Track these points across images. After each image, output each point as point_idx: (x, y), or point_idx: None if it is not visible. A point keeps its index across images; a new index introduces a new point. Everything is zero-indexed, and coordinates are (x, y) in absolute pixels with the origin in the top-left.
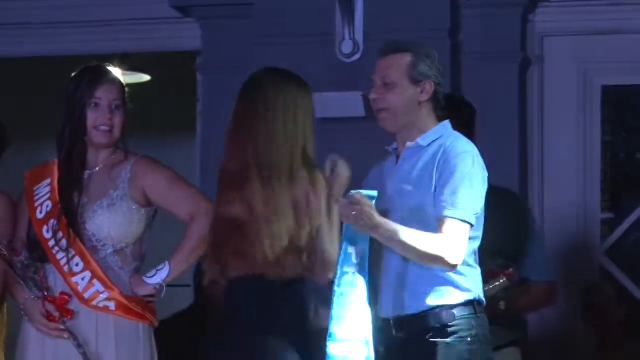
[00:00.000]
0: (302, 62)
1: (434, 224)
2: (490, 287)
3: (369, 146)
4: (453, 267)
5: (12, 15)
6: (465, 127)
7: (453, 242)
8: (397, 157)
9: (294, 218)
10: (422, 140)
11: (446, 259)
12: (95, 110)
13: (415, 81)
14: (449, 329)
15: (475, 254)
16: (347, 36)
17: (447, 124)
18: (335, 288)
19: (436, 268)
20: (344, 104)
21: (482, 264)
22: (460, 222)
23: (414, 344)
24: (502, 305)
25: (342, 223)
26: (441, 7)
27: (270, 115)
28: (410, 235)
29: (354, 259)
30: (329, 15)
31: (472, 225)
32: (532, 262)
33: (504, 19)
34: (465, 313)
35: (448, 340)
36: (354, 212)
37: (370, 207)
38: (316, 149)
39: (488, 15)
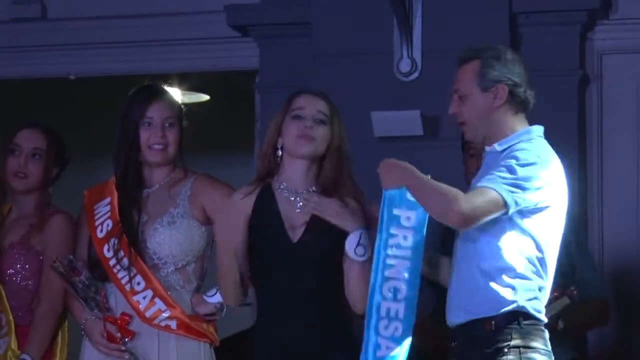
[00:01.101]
0: (360, 81)
1: (496, 230)
2: (555, 308)
3: (428, 165)
4: (453, 219)
5: (71, 35)
6: None
7: (466, 197)
8: None
9: None
10: (499, 146)
11: (449, 206)
12: (148, 129)
13: (486, 88)
14: (489, 340)
15: (534, 265)
16: (405, 55)
17: (532, 129)
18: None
19: (481, 279)
20: (402, 122)
21: None
22: (488, 189)
23: (461, 354)
24: (560, 324)
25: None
26: (500, 25)
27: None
28: (431, 182)
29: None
30: (387, 34)
31: (504, 200)
32: (584, 279)
33: (563, 36)
34: (506, 324)
35: (487, 350)
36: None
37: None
38: (375, 167)
39: (546, 33)
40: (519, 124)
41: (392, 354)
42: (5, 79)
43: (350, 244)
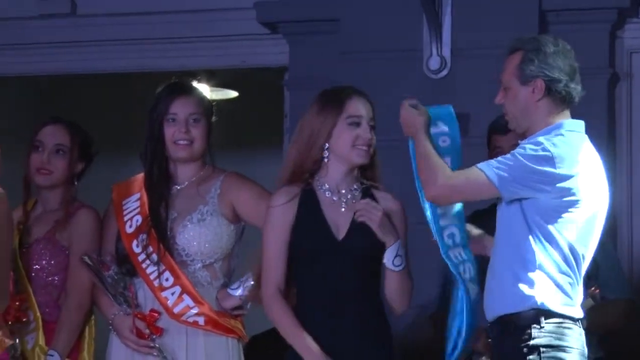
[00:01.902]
0: (388, 79)
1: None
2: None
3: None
4: (430, 191)
5: (100, 32)
6: None
7: (449, 174)
8: None
9: None
10: (527, 140)
11: (430, 179)
12: (172, 125)
13: (525, 82)
14: (514, 338)
15: (555, 263)
16: (434, 52)
17: (563, 124)
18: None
19: (505, 274)
20: None
21: None
22: (476, 168)
23: (496, 350)
24: (583, 324)
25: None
26: (529, 23)
27: None
28: (430, 153)
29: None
30: (416, 32)
31: (491, 182)
32: (608, 280)
33: (592, 35)
34: (526, 323)
35: (514, 348)
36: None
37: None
38: (404, 166)
39: (576, 32)
40: (559, 118)
41: (477, 293)
42: (34, 75)
43: (389, 257)
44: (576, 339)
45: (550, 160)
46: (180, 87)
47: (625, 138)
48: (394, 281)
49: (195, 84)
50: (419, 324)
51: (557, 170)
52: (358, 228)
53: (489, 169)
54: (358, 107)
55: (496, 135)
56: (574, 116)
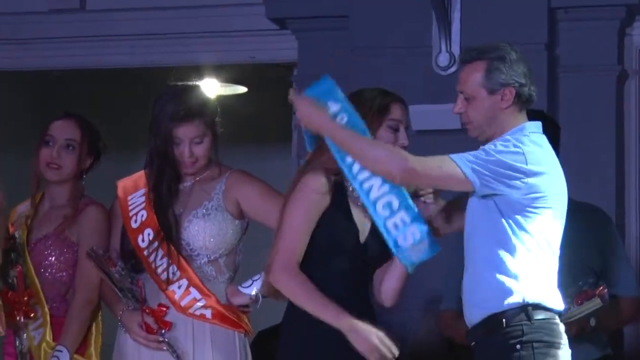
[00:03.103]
0: (398, 75)
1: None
2: (585, 308)
3: None
4: (397, 176)
5: (109, 27)
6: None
7: (418, 159)
8: None
9: None
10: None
11: (390, 163)
12: (178, 146)
13: (492, 91)
14: (502, 336)
15: (537, 258)
16: (443, 49)
17: (525, 126)
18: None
19: (486, 274)
20: (440, 116)
21: (574, 281)
22: (448, 158)
23: (479, 353)
24: (592, 322)
25: None
26: (538, 20)
27: None
28: (360, 137)
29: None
30: (426, 28)
31: (465, 176)
32: (618, 278)
33: (601, 32)
34: (515, 319)
35: (502, 348)
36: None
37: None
38: None
39: (585, 29)
40: (520, 120)
41: (425, 248)
42: (43, 69)
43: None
44: (562, 335)
45: (521, 155)
46: (183, 112)
47: (634, 135)
48: (398, 270)
49: (196, 84)
50: (425, 319)
51: (528, 167)
52: (376, 234)
53: (463, 163)
54: (400, 113)
55: None
56: (584, 112)
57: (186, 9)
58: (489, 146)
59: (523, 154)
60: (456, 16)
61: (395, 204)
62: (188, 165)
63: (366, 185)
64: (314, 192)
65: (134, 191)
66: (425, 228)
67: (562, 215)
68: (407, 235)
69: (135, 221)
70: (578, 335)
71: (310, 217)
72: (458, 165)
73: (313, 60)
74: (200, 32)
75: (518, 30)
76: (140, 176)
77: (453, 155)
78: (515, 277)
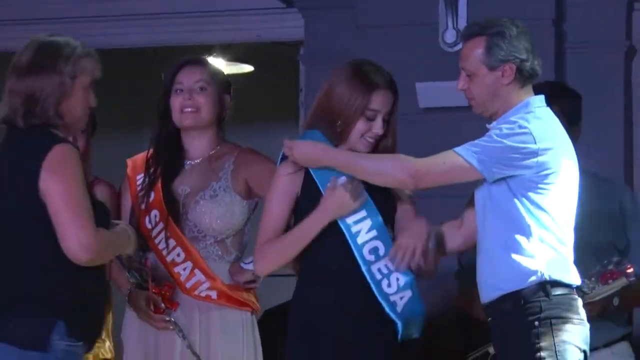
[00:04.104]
0: (404, 52)
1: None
2: (611, 287)
3: (473, 135)
4: (410, 183)
5: (116, 7)
6: (568, 116)
7: (424, 160)
8: None
9: None
10: (498, 123)
11: (400, 174)
12: (179, 95)
13: (493, 67)
14: (520, 314)
15: (552, 233)
16: (450, 25)
17: (529, 101)
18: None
19: (502, 253)
20: (447, 93)
21: (597, 260)
22: (453, 152)
23: (496, 329)
24: (615, 301)
25: None
26: None
27: None
28: (362, 155)
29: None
30: (432, 4)
31: (472, 166)
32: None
33: (609, 7)
34: (534, 297)
35: (520, 324)
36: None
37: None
38: (419, 139)
39: (593, 4)
40: (524, 95)
41: (408, 298)
42: None
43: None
44: (580, 310)
45: (529, 135)
46: (190, 58)
47: None
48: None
49: (209, 58)
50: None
51: (538, 145)
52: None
53: (468, 153)
54: (380, 102)
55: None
56: (593, 89)
57: None
58: (494, 131)
59: (530, 133)
60: None
61: (382, 250)
62: (187, 116)
63: (354, 229)
64: (282, 175)
65: (142, 170)
66: (410, 277)
67: (575, 187)
68: (391, 281)
69: (143, 202)
70: (601, 315)
71: (282, 197)
72: (463, 157)
73: (319, 38)
74: (207, 12)
75: (525, 6)
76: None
77: (457, 149)
78: (531, 256)
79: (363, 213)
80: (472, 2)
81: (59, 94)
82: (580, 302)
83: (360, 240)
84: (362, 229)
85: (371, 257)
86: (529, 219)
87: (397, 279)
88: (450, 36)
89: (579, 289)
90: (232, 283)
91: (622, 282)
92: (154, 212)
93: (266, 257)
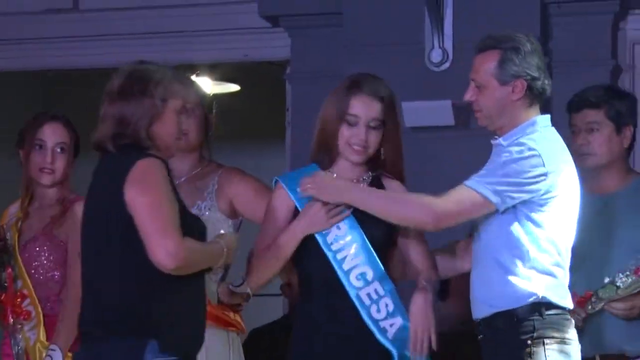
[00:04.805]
0: (391, 71)
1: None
2: (636, 287)
3: (459, 154)
4: (430, 225)
5: (104, 26)
6: (618, 119)
7: (441, 201)
8: None
9: None
10: (504, 140)
11: (420, 215)
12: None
13: (504, 82)
14: (513, 332)
15: (550, 254)
16: (436, 45)
17: (536, 120)
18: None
19: (498, 272)
20: (433, 112)
21: (624, 260)
22: (466, 188)
23: (487, 347)
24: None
25: None
26: (531, 15)
27: None
28: (381, 195)
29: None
30: (418, 24)
31: (487, 200)
32: None
33: (595, 26)
34: (527, 316)
35: (512, 343)
36: (309, 185)
37: (326, 174)
38: (406, 158)
39: (578, 23)
40: (531, 114)
41: (400, 325)
42: (38, 70)
43: None
44: (574, 331)
45: (538, 157)
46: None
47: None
48: None
49: (194, 77)
50: None
51: (546, 168)
52: (360, 217)
53: (482, 187)
54: (359, 106)
55: (572, 113)
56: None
57: (179, 7)
58: (504, 155)
59: (539, 155)
60: (448, 12)
61: (370, 274)
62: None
63: (339, 256)
64: (273, 192)
65: None
66: (398, 302)
67: (575, 212)
68: (380, 306)
69: None
70: (632, 318)
71: (273, 211)
72: (477, 191)
73: (306, 57)
74: (194, 31)
75: (511, 25)
76: None
77: (470, 183)
78: (528, 279)
79: (347, 237)
80: (457, 22)
81: (150, 116)
82: (573, 322)
83: (346, 266)
84: (347, 256)
85: (359, 283)
86: (528, 242)
87: (387, 305)
88: (436, 55)
89: (612, 284)
90: (219, 303)
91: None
92: None
93: (250, 271)
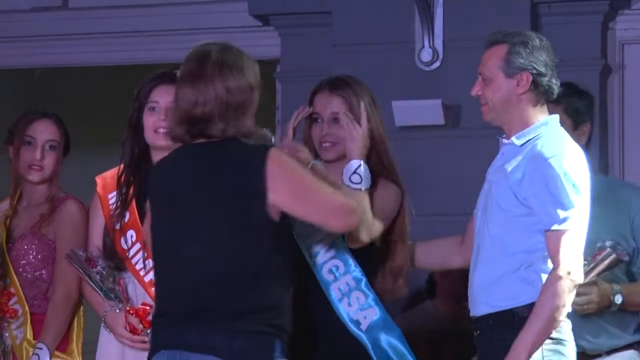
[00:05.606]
0: (381, 71)
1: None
2: (599, 261)
3: (449, 154)
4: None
5: (93, 24)
6: (576, 116)
7: (564, 252)
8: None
9: None
10: (518, 139)
11: (560, 272)
12: (153, 113)
13: (510, 74)
14: (511, 332)
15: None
16: (426, 44)
17: (549, 120)
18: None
19: (501, 273)
20: (423, 112)
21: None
22: (564, 232)
23: (484, 344)
24: (617, 299)
25: None
26: (521, 14)
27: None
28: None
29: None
30: (408, 23)
31: (577, 231)
32: None
33: (584, 26)
34: (525, 315)
35: (510, 342)
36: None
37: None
38: (397, 157)
39: (568, 23)
40: (539, 113)
41: (375, 318)
42: (26, 68)
43: (347, 172)
44: (570, 332)
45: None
46: (162, 75)
47: (617, 130)
48: None
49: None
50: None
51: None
52: None
53: (573, 225)
54: (320, 105)
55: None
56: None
57: (169, 6)
58: (564, 175)
59: (571, 160)
60: (439, 11)
61: (342, 268)
62: (161, 137)
63: (313, 250)
64: None
65: (113, 189)
66: (371, 295)
67: (587, 219)
68: (351, 299)
69: (118, 222)
70: (600, 310)
71: None
72: (571, 231)
73: (296, 57)
74: (183, 29)
75: (501, 25)
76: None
77: (563, 227)
78: (531, 279)
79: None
80: (448, 21)
81: (249, 104)
82: (570, 324)
83: (319, 260)
84: (320, 250)
85: (331, 277)
86: (531, 242)
87: (358, 298)
88: (426, 55)
89: None
90: None
91: (611, 257)
92: (130, 233)
93: None
